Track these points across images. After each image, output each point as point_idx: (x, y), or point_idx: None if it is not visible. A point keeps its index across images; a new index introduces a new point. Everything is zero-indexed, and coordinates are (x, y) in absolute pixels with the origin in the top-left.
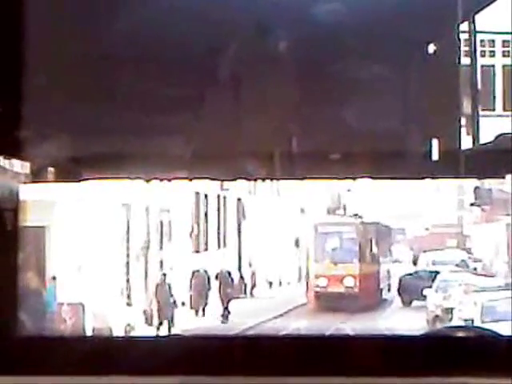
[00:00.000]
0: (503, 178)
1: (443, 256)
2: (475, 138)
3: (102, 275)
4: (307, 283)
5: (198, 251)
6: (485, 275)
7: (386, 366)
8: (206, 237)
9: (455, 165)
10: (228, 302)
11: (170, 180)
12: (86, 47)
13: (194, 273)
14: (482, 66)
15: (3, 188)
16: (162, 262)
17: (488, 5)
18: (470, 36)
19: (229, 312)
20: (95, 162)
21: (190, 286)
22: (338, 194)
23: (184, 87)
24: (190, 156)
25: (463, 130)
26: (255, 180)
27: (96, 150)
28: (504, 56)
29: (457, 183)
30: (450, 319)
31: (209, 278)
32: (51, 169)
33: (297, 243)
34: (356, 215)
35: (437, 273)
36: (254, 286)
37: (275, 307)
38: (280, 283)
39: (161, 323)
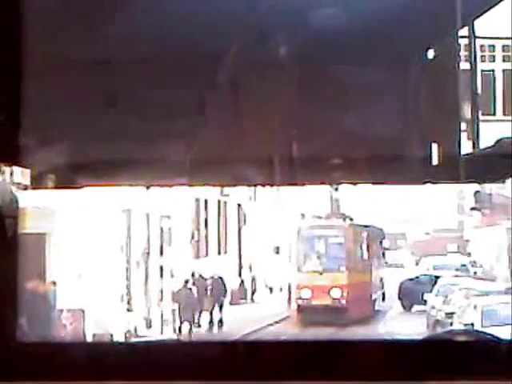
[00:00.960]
0: (503, 182)
1: (444, 260)
2: (475, 143)
3: (102, 281)
4: (289, 295)
5: (198, 257)
6: (485, 279)
7: (387, 370)
8: (207, 243)
9: (455, 169)
10: (221, 309)
11: (170, 186)
12: (85, 54)
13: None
14: (482, 71)
15: (4, 195)
16: (162, 268)
17: (488, 10)
18: (469, 41)
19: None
20: (96, 168)
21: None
22: (337, 200)
23: (184, 94)
24: (190, 162)
25: (463, 135)
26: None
27: (97, 157)
28: (504, 61)
29: (457, 188)
30: (451, 323)
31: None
32: (52, 176)
33: (277, 250)
34: (344, 216)
35: (437, 277)
36: (254, 291)
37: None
38: (281, 289)
39: (181, 325)
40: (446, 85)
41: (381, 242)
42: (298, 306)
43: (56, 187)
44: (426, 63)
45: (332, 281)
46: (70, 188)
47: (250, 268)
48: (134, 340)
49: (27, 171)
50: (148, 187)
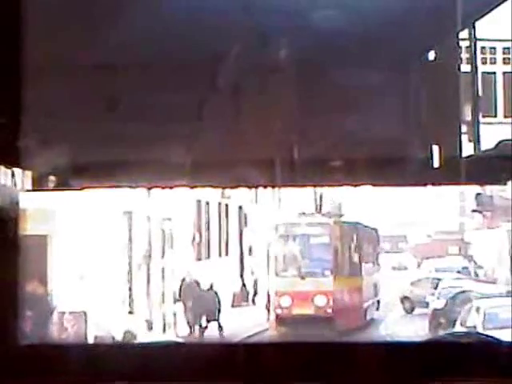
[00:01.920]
0: (505, 184)
1: (445, 263)
2: (476, 145)
3: (104, 283)
4: (267, 303)
5: (199, 259)
6: (487, 282)
7: (388, 373)
8: (208, 245)
9: (456, 171)
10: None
11: (171, 188)
12: (86, 57)
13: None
14: (483, 73)
15: (5, 197)
16: (163, 271)
17: (489, 12)
18: (470, 43)
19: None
20: (97, 170)
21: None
22: (338, 201)
23: (185, 96)
24: (191, 164)
25: (464, 137)
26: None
27: (97, 159)
28: (505, 63)
29: (458, 190)
30: (453, 326)
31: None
32: (53, 177)
33: (250, 251)
34: (329, 213)
35: (439, 280)
36: (255, 293)
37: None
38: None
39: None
40: (446, 87)
41: (376, 243)
42: (277, 315)
43: (57, 189)
44: (427, 65)
45: (316, 287)
46: (71, 190)
47: (252, 271)
48: (134, 342)
49: (28, 173)
50: (149, 189)
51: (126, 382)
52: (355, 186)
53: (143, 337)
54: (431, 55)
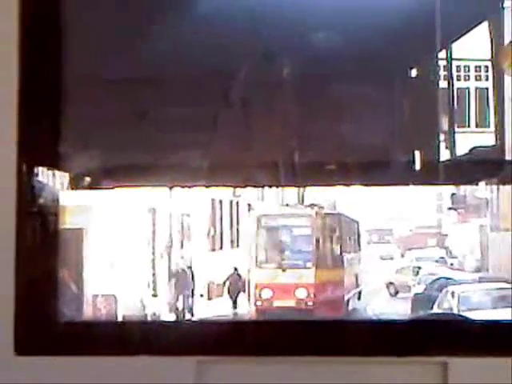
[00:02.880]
0: (476, 185)
1: (425, 253)
2: (452, 151)
3: (131, 270)
4: (248, 295)
5: (214, 250)
6: (460, 270)
7: (374, 347)
8: (221, 237)
9: (435, 174)
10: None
11: (190, 188)
12: (118, 72)
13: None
14: (458, 89)
15: (46, 195)
16: (182, 259)
17: (463, 35)
18: (447, 62)
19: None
20: (126, 172)
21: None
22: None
23: (202, 109)
24: (206, 167)
25: (442, 144)
26: (263, 187)
27: (127, 162)
28: (477, 80)
29: (436, 190)
30: (431, 308)
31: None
32: (88, 178)
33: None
34: (313, 205)
35: (419, 268)
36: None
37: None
38: None
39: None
40: (427, 100)
41: (358, 235)
42: (257, 308)
43: (92, 188)
44: (410, 81)
45: (297, 279)
46: (103, 189)
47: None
48: (158, 320)
49: (67, 174)
50: (171, 188)
51: (150, 354)
52: (347, 185)
53: (165, 316)
54: (414, 72)
